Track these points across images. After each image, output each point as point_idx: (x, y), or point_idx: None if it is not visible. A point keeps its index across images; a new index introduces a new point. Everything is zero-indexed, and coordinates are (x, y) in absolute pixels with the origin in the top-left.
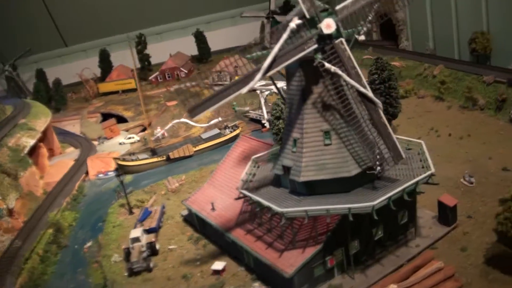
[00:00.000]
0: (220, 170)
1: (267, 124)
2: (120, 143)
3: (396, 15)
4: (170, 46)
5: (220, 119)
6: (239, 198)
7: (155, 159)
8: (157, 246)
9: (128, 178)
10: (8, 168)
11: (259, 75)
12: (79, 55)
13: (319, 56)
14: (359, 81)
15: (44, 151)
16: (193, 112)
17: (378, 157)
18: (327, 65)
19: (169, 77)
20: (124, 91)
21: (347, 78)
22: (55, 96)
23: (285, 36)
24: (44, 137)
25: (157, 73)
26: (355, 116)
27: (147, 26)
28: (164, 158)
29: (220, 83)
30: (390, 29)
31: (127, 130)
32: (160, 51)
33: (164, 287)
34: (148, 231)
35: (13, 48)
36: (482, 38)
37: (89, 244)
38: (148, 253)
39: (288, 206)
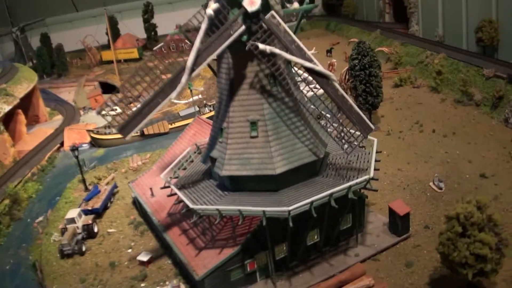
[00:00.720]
0: (169, 154)
1: None
2: (102, 115)
3: None
4: (181, 17)
5: (200, 96)
6: (164, 187)
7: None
8: (96, 229)
9: (99, 152)
10: None
11: (185, 76)
12: (89, 21)
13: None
14: (302, 55)
15: (21, 118)
16: (124, 131)
17: (342, 134)
18: (261, 46)
19: (173, 49)
20: (126, 60)
21: (288, 56)
22: (56, 62)
23: (204, 26)
24: (28, 103)
25: (162, 43)
26: (295, 101)
27: None
28: (138, 134)
29: None
30: (403, 12)
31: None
32: (171, 22)
33: (89, 273)
34: (91, 212)
35: (27, 10)
36: (489, 27)
37: (40, 219)
38: (84, 236)
39: (207, 202)
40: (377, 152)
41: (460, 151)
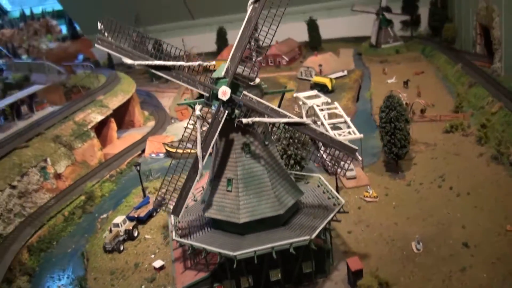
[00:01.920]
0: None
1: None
2: (184, 127)
3: (493, 32)
4: (284, 29)
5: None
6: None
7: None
8: (135, 233)
9: (168, 163)
10: (64, 140)
11: (201, 163)
12: (203, 29)
13: (237, 114)
14: (278, 114)
15: (113, 125)
16: (176, 212)
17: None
18: (244, 120)
19: (271, 62)
20: None
21: (266, 119)
22: None
23: (199, 126)
24: (123, 110)
25: (260, 57)
26: (266, 165)
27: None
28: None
29: (305, 78)
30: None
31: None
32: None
33: (119, 269)
34: (136, 219)
35: (149, 15)
36: None
37: (103, 216)
38: (125, 238)
39: (194, 234)
40: (343, 212)
41: (462, 214)
